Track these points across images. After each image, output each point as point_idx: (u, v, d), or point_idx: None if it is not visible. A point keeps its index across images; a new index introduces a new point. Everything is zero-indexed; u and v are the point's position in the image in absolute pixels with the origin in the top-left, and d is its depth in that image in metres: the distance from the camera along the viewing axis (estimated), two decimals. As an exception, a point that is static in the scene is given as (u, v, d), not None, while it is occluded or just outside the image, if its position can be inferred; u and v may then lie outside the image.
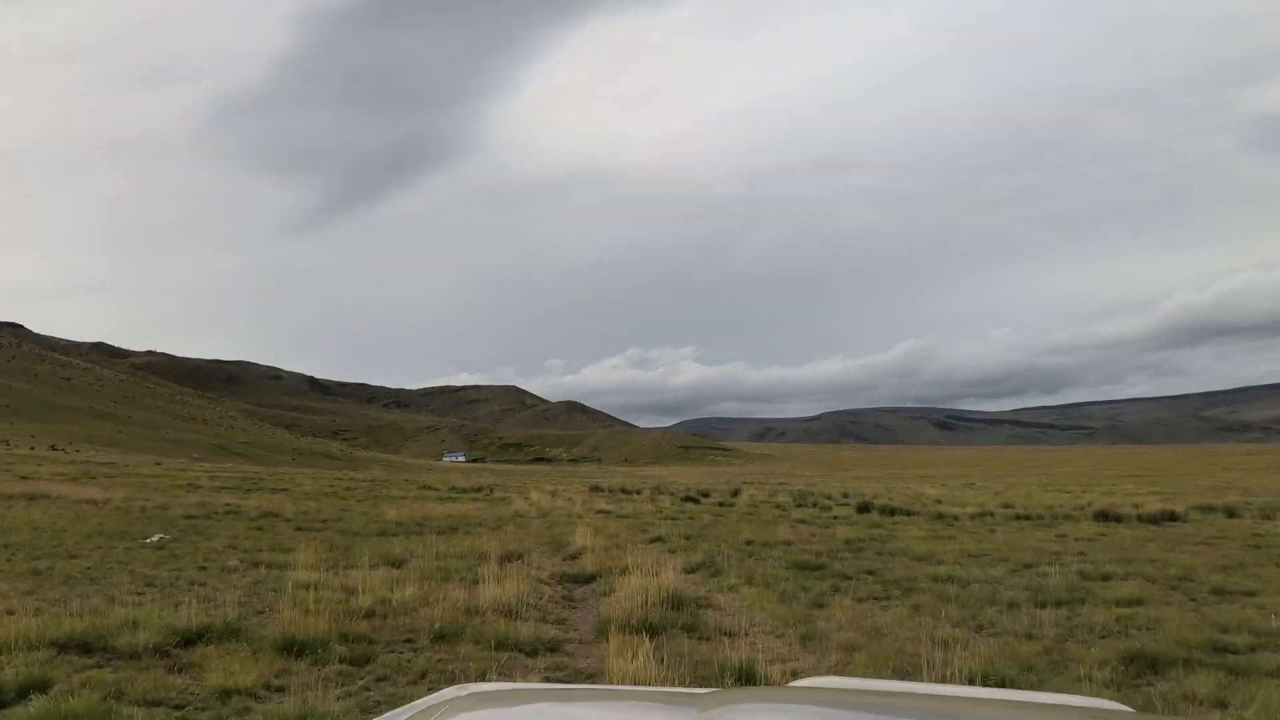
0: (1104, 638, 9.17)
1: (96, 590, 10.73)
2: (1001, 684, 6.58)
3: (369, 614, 8.95)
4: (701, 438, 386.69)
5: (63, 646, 7.54)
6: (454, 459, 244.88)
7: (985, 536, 23.37)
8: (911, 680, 6.54)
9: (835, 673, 7.07)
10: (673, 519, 27.23)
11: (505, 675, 7.22)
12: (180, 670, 7.16)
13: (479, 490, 48.66)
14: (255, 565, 13.31)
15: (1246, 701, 6.64)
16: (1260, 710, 6.38)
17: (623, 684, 6.44)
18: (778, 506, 38.03)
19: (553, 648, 8.41)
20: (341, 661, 7.45)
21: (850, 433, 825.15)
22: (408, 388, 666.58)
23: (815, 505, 39.57)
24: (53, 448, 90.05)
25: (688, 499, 41.43)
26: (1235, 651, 8.56)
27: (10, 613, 8.85)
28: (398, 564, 13.22)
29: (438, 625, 8.42)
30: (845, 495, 49.12)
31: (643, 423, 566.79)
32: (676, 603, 9.94)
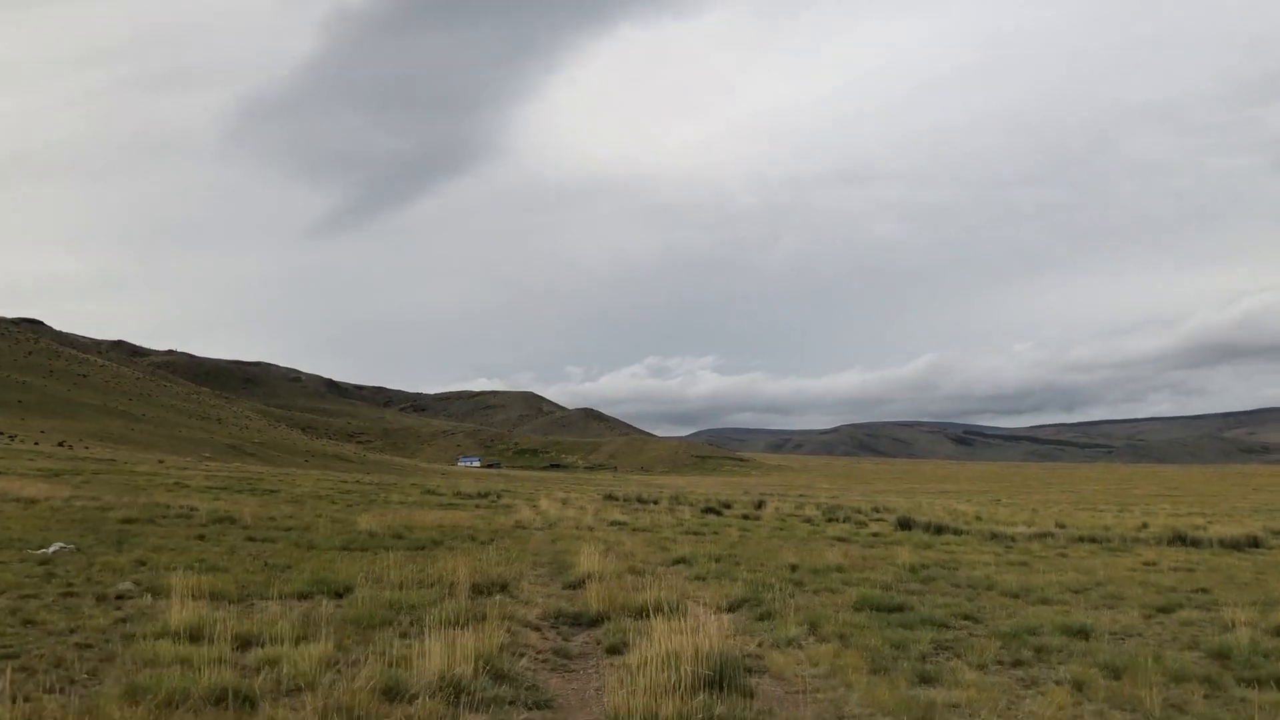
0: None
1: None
2: None
3: (221, 699, 5.60)
4: (718, 448, 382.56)
5: None
6: (469, 464, 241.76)
7: (1062, 563, 19.98)
8: None
9: None
10: (695, 534, 23.89)
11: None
12: None
13: (484, 496, 45.56)
14: (154, 592, 10.05)
15: None
16: None
17: None
18: (808, 520, 34.68)
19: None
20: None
21: (867, 446, 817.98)
22: (425, 392, 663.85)
23: (848, 520, 36.17)
24: (61, 444, 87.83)
25: (709, 510, 38.09)
26: None
27: None
28: (340, 593, 9.96)
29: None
30: (876, 509, 45.74)
31: (660, 431, 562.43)
32: (719, 676, 6.58)
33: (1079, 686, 7.04)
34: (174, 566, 11.45)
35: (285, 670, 6.24)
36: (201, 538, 15.99)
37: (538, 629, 9.03)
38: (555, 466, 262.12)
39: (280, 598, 9.59)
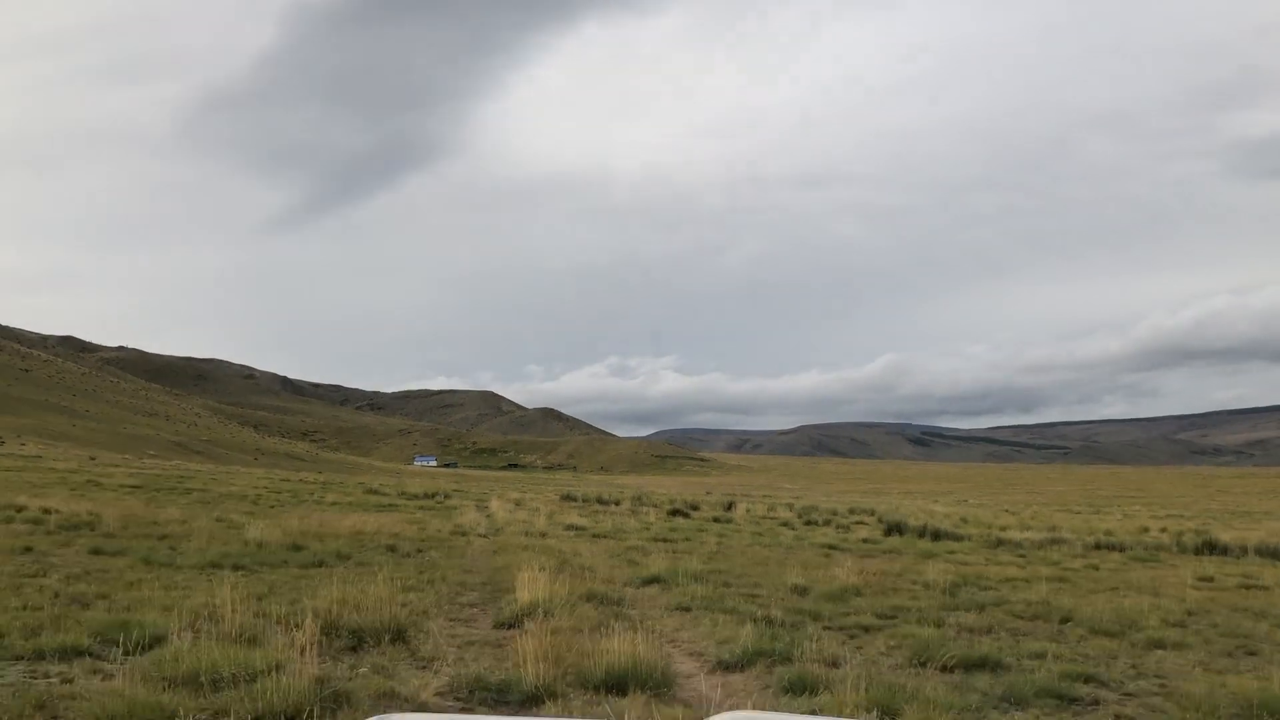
0: None
1: None
2: None
3: None
4: (679, 448, 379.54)
5: None
6: (425, 463, 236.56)
7: (1105, 578, 16.87)
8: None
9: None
10: (666, 540, 20.45)
11: None
12: None
13: (431, 497, 41.86)
14: None
15: None
16: None
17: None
18: (785, 524, 31.43)
19: None
20: None
21: (826, 446, 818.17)
22: (383, 390, 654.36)
23: (828, 524, 32.95)
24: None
25: (676, 512, 34.74)
26: None
27: None
28: (138, 648, 6.36)
29: None
30: (853, 511, 42.65)
31: (620, 431, 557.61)
32: None
33: None
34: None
35: None
36: (28, 549, 12.25)
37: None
38: (513, 466, 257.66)
39: (35, 657, 6.06)
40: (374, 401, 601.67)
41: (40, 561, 11.38)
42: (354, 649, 6.82)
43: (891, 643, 8.34)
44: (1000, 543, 24.65)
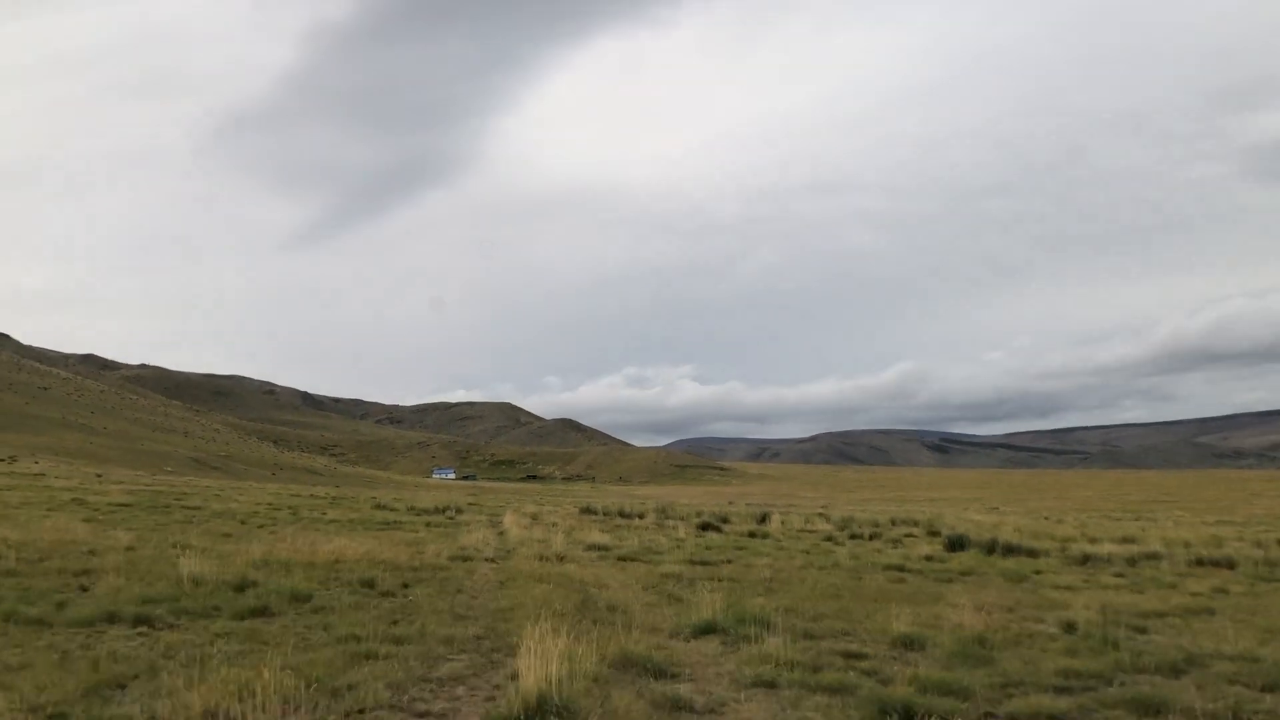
0: None
1: None
2: None
3: None
4: (698, 457, 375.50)
5: None
6: (443, 476, 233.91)
7: (1251, 605, 13.68)
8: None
9: None
10: (704, 563, 17.34)
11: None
12: None
13: (442, 511, 38.81)
14: None
15: None
16: None
17: None
18: (829, 539, 28.15)
19: None
20: None
21: (844, 454, 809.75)
22: (402, 404, 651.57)
23: (875, 537, 29.65)
24: (7, 458, 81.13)
25: (706, 527, 31.54)
26: None
27: None
28: None
29: None
30: (894, 523, 39.31)
31: (638, 441, 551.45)
32: None
33: None
34: None
35: None
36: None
37: None
38: (532, 478, 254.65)
39: None
40: (393, 415, 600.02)
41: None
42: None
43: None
44: (1087, 558, 21.39)
